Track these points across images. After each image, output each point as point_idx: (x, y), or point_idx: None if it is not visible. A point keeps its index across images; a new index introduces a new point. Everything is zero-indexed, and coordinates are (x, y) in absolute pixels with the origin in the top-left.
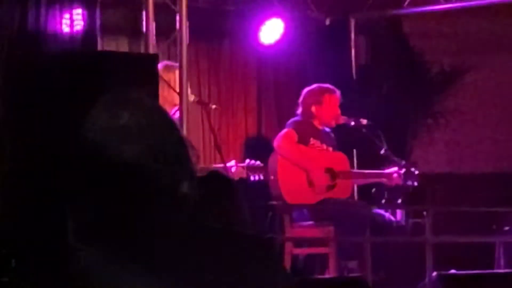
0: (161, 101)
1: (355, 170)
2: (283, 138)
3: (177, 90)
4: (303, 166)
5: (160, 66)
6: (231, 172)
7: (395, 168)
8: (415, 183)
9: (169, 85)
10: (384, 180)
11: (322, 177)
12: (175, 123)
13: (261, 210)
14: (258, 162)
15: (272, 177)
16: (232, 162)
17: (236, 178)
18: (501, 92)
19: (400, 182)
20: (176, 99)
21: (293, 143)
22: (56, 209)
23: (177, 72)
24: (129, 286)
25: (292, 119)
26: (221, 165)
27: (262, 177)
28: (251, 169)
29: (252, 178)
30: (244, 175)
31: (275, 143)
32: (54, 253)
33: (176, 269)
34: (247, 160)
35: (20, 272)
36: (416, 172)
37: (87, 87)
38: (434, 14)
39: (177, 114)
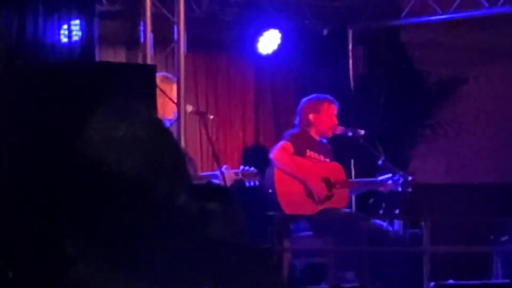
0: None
1: (351, 180)
2: (279, 151)
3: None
4: (300, 177)
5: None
6: (223, 177)
7: (389, 175)
8: (409, 189)
9: (168, 97)
10: (380, 188)
11: (320, 187)
12: (172, 134)
13: (259, 221)
14: (252, 168)
15: (270, 190)
16: (224, 167)
17: (228, 183)
18: (498, 103)
19: (394, 188)
20: (168, 111)
21: (289, 155)
22: (53, 220)
23: (174, 85)
24: None
25: (288, 131)
26: (212, 172)
27: (257, 183)
28: (245, 175)
29: (247, 184)
30: (234, 178)
31: (271, 156)
32: (51, 264)
33: (173, 281)
34: (241, 166)
35: (17, 283)
36: (410, 178)
37: (84, 97)
38: (432, 25)
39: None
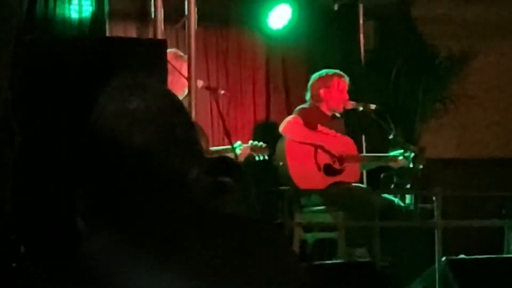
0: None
1: (362, 154)
2: (289, 123)
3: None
4: (315, 142)
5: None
6: (236, 154)
7: (401, 151)
8: (421, 166)
9: (179, 72)
10: (391, 163)
11: (337, 147)
12: (184, 107)
13: (270, 195)
14: (261, 142)
15: (281, 163)
16: (238, 143)
17: (242, 158)
18: (509, 77)
19: (406, 164)
20: (177, 89)
21: (300, 126)
22: (65, 195)
23: (184, 63)
24: (138, 271)
25: (299, 106)
26: (223, 147)
27: (266, 157)
28: (255, 149)
29: (257, 158)
30: (248, 153)
31: (282, 129)
32: (63, 238)
33: (185, 255)
34: (250, 141)
35: (29, 258)
36: (422, 150)
37: (95, 72)
38: None
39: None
